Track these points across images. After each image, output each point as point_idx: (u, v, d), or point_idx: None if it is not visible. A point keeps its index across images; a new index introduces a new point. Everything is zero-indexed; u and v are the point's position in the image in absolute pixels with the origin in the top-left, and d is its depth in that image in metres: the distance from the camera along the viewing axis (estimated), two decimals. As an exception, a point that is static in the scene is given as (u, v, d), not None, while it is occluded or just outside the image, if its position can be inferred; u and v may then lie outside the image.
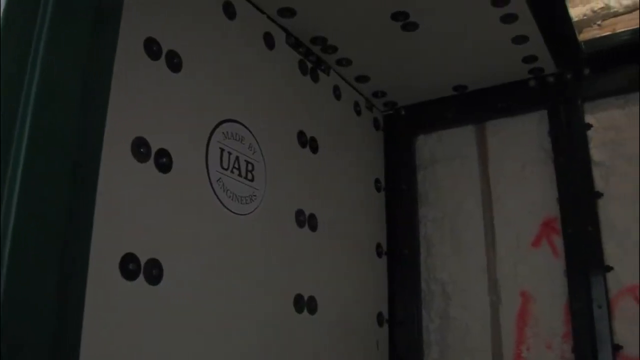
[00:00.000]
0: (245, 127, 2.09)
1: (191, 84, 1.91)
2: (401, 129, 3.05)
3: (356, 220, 2.68)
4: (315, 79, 2.56)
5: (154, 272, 1.67)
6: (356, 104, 2.84)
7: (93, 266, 1.40)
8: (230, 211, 1.97)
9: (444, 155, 3.00)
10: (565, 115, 2.77)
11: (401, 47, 2.54)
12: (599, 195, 2.66)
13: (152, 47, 1.79)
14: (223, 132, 1.99)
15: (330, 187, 2.53)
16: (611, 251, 2.61)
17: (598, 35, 2.82)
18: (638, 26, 2.73)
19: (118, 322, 1.57)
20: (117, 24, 1.54)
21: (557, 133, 2.77)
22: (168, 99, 1.82)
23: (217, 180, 1.93)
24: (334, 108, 2.67)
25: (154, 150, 1.74)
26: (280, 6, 2.28)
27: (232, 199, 1.97)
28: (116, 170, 1.61)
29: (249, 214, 2.04)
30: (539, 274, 2.71)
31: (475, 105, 2.95)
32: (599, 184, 2.68)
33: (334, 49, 2.56)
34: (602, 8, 2.82)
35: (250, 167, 2.07)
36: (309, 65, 2.54)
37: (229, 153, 1.99)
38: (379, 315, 2.73)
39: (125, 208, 1.63)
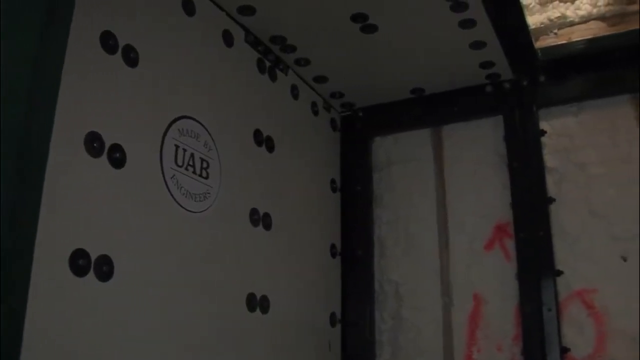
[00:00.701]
0: (201, 124, 2.07)
1: (148, 80, 1.89)
2: (358, 131, 3.06)
3: (311, 220, 2.68)
4: (273, 78, 2.56)
5: (104, 269, 1.65)
6: (314, 104, 2.84)
7: (41, 261, 1.38)
8: (184, 208, 1.95)
9: (399, 157, 3.02)
10: (520, 121, 2.81)
11: (360, 48, 2.55)
12: (552, 200, 2.71)
13: (108, 41, 1.77)
14: (179, 129, 1.98)
15: (286, 186, 2.53)
16: (562, 256, 2.66)
17: (554, 44, 2.86)
18: (592, 36, 2.79)
19: (65, 319, 1.54)
20: (70, 16, 1.52)
21: (512, 138, 2.81)
22: (123, 94, 1.80)
23: (171, 177, 1.91)
24: (291, 108, 2.67)
25: (107, 145, 1.71)
26: (240, 4, 2.27)
27: (185, 197, 1.96)
28: (68, 164, 1.59)
29: (202, 211, 2.02)
30: (491, 277, 2.75)
31: (432, 109, 2.97)
32: (552, 190, 2.73)
33: (293, 49, 2.55)
34: (558, 17, 2.86)
35: (205, 165, 2.06)
36: (268, 64, 2.53)
37: (184, 150, 1.98)
38: (332, 315, 2.74)
39: (76, 203, 1.60)
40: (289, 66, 2.67)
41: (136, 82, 1.84)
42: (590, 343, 2.56)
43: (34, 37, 1.35)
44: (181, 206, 1.94)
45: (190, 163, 1.99)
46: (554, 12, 2.86)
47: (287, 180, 2.54)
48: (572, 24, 2.86)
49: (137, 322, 1.74)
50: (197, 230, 2.00)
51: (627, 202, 2.63)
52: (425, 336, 2.79)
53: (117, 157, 1.74)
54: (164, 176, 1.89)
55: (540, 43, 2.86)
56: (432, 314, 2.80)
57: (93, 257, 1.62)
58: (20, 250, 1.33)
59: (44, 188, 1.45)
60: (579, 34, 2.83)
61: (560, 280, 2.63)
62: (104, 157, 1.70)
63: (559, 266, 2.64)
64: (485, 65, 2.71)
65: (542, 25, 2.87)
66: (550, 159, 2.76)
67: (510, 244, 2.73)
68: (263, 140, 2.40)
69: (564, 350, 2.55)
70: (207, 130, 2.10)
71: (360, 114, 3.06)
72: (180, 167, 1.96)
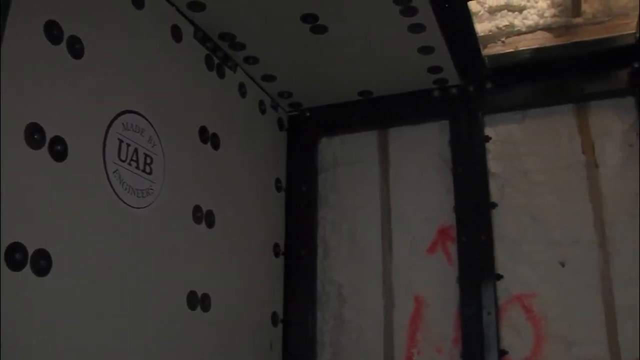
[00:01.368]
0: (146, 119, 2.05)
1: (92, 72, 1.86)
2: (305, 131, 3.06)
3: (255, 219, 2.67)
4: (221, 75, 2.54)
5: (41, 263, 1.62)
6: (261, 103, 2.83)
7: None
8: (126, 204, 1.92)
9: (345, 158, 3.03)
10: (465, 127, 2.85)
11: (309, 49, 2.55)
12: (494, 205, 2.76)
13: (52, 31, 1.73)
14: (123, 123, 1.95)
15: (230, 184, 2.51)
16: (502, 260, 2.70)
17: (501, 52, 2.90)
18: (539, 46, 2.84)
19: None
20: (7, 2, 1.49)
21: (457, 143, 2.85)
22: (67, 86, 1.76)
23: (114, 172, 1.88)
24: (238, 105, 2.66)
25: (48, 137, 1.68)
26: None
27: (128, 192, 1.93)
28: (6, 156, 1.55)
29: (144, 207, 2.00)
30: (432, 280, 2.78)
31: (379, 111, 2.99)
32: (494, 195, 2.78)
33: (242, 47, 2.54)
34: (506, 26, 2.90)
35: (148, 160, 2.03)
36: (216, 61, 2.51)
37: (128, 145, 1.95)
38: (274, 314, 2.73)
39: (14, 195, 1.56)
40: (238, 64, 2.65)
41: (80, 74, 1.81)
42: (527, 346, 2.61)
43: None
44: (123, 201, 1.91)
45: (134, 158, 1.97)
46: (502, 20, 2.91)
47: (231, 178, 2.52)
48: (519, 33, 2.91)
49: (74, 318, 1.71)
50: (139, 226, 1.98)
51: (567, 209, 2.69)
52: (367, 337, 2.81)
53: (59, 150, 1.70)
54: (106, 170, 1.86)
55: (487, 50, 2.90)
56: (374, 315, 2.81)
57: (30, 251, 1.59)
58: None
59: (-19, 179, 1.42)
60: (526, 43, 2.88)
61: (500, 284, 2.68)
62: (45, 149, 1.67)
63: (499, 270, 2.69)
64: (433, 70, 2.74)
65: (490, 33, 2.91)
66: (493, 165, 2.81)
67: (452, 247, 2.77)
68: (209, 138, 2.38)
69: (502, 353, 2.59)
70: (152, 125, 2.07)
71: (308, 114, 3.07)
72: (124, 162, 1.93)
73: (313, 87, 2.89)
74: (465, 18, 2.55)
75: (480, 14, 2.92)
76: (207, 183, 2.36)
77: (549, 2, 2.87)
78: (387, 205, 2.92)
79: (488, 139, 2.84)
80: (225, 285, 2.40)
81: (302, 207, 2.96)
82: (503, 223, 2.74)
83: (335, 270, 2.90)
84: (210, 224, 2.33)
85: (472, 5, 2.80)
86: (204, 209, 2.30)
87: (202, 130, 2.35)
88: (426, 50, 2.57)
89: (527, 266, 2.68)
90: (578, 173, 2.72)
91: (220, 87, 2.54)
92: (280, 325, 2.78)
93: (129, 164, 1.95)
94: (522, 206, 2.74)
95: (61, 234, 1.69)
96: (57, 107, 1.72)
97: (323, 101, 3.01)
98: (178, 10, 2.29)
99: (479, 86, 2.88)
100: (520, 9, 2.91)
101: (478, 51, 2.77)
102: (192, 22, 2.36)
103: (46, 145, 1.67)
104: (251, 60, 2.63)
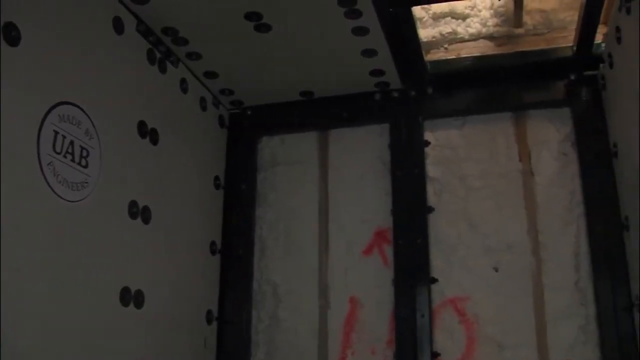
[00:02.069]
0: (84, 111, 2.01)
1: (29, 61, 1.81)
2: (246, 129, 3.04)
3: (192, 216, 2.65)
4: (163, 69, 2.51)
5: (-31, 256, 1.57)
6: (202, 100, 2.81)
7: None
8: (60, 197, 1.88)
9: (285, 158, 3.03)
10: (405, 131, 2.88)
11: (252, 47, 2.54)
12: (431, 210, 2.79)
13: (-12, 18, 1.69)
14: (59, 115, 1.90)
15: (168, 180, 2.48)
16: (437, 264, 2.74)
17: (444, 58, 2.94)
18: (480, 54, 2.88)
19: None
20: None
21: (396, 147, 2.87)
22: (1, 74, 1.71)
23: (48, 164, 1.84)
24: (179, 101, 2.63)
25: (-21, 127, 1.63)
26: (133, -9, 2.23)
27: (62, 185, 1.89)
28: None
29: (79, 201, 1.96)
30: (368, 282, 2.80)
31: (320, 112, 3.00)
32: (432, 199, 2.81)
33: (185, 42, 2.51)
34: (450, 33, 2.94)
35: (84, 153, 1.99)
36: (158, 55, 2.48)
37: (63, 137, 1.91)
38: (209, 313, 2.71)
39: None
40: (180, 59, 2.62)
41: (16, 62, 1.76)
42: (459, 348, 2.66)
43: None
44: (57, 194, 1.87)
45: (69, 150, 1.93)
46: (445, 27, 2.95)
47: (169, 174, 2.50)
48: (462, 40, 2.95)
49: (3, 314, 1.66)
50: (73, 220, 1.93)
51: (502, 216, 2.74)
52: (301, 337, 2.81)
53: (-11, 140, 1.66)
54: (40, 162, 1.81)
55: (430, 56, 2.93)
56: (309, 315, 2.82)
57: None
58: None
59: None
60: (468, 51, 2.93)
61: (434, 287, 2.72)
62: (-24, 139, 1.62)
63: (434, 274, 2.72)
64: (375, 73, 2.75)
65: (433, 39, 2.95)
66: (432, 170, 2.85)
67: (388, 249, 2.79)
68: (147, 132, 2.35)
69: (435, 355, 2.64)
70: (89, 117, 2.03)
71: (249, 112, 3.05)
72: (59, 154, 1.89)
73: (255, 86, 2.88)
74: (409, 23, 2.57)
75: (424, 19, 2.95)
76: (144, 178, 2.33)
77: (491, 11, 2.92)
78: (325, 206, 2.93)
79: (427, 143, 2.88)
80: (160, 282, 2.37)
81: (241, 206, 2.94)
82: (439, 227, 2.77)
83: (271, 270, 2.90)
84: (146, 219, 2.30)
85: (417, 11, 2.83)
86: (140, 205, 2.27)
87: (141, 125, 2.32)
88: (369, 53, 2.59)
89: (461, 270, 2.72)
90: (514, 180, 2.78)
91: (161, 82, 2.50)
92: (214, 324, 2.76)
93: (64, 156, 1.91)
94: (459, 211, 2.79)
95: (-9, 225, 1.65)
96: (-11, 95, 1.67)
97: (264, 100, 3.00)
98: (120, 1, 2.25)
99: (421, 91, 2.91)
100: (464, 17, 2.95)
101: (421, 56, 2.79)
102: (134, 15, 2.32)
103: (-23, 134, 1.63)
104: (194, 56, 2.61)
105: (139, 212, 2.26)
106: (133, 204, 2.23)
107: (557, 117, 2.83)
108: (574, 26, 2.69)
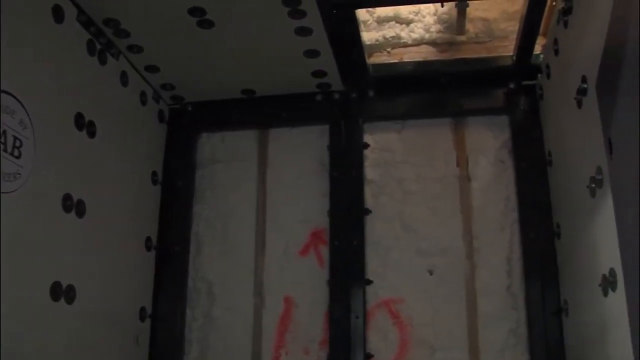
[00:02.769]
0: (18, 100, 1.96)
1: (-38, 47, 1.77)
2: (186, 125, 3.01)
3: (128, 211, 2.61)
4: (103, 61, 2.47)
5: None
6: (143, 94, 2.77)
7: None
8: (-10, 187, 1.84)
9: (225, 156, 3.01)
10: (345, 132, 2.89)
11: (195, 42, 2.51)
12: (368, 212, 2.81)
13: None
14: (-8, 103, 1.86)
15: (105, 174, 2.44)
16: (373, 266, 2.76)
17: (386, 62, 2.96)
18: (422, 59, 2.91)
19: None
20: None
21: (335, 148, 2.88)
22: None
23: (-21, 153, 1.80)
24: (119, 94, 2.59)
25: None
26: (74, -20, 2.18)
27: (-7, 175, 1.84)
28: None
29: (11, 192, 1.91)
30: (303, 282, 2.80)
31: (261, 111, 2.98)
32: (369, 202, 2.83)
33: (127, 34, 2.47)
34: (393, 37, 2.96)
35: (18, 144, 1.94)
36: (98, 46, 2.43)
37: (-5, 126, 1.86)
38: (142, 309, 2.68)
39: None
40: (121, 51, 2.58)
41: (-51, 48, 1.72)
42: (392, 350, 2.68)
43: None
44: (-13, 185, 1.83)
45: (2, 140, 1.88)
46: (389, 31, 2.96)
47: (106, 168, 2.45)
48: (405, 45, 2.97)
49: None
50: (4, 212, 1.88)
51: (438, 220, 2.77)
52: (235, 336, 2.80)
53: None
54: (-30, 151, 1.77)
55: (373, 59, 2.95)
56: (243, 314, 2.81)
57: None
58: None
59: None
60: (410, 56, 2.95)
61: (369, 289, 2.73)
62: None
63: (369, 275, 2.74)
64: (317, 74, 2.76)
65: (376, 43, 2.96)
66: (370, 172, 2.86)
67: (324, 250, 2.80)
68: (85, 125, 2.30)
69: (368, 356, 2.66)
70: (24, 107, 1.98)
71: (190, 108, 3.02)
72: (-10, 143, 1.84)
73: (197, 82, 2.85)
74: (353, 25, 2.58)
75: (368, 22, 2.96)
76: (80, 171, 2.28)
77: (435, 18, 2.95)
78: (262, 205, 2.92)
79: (366, 146, 2.90)
80: (92, 277, 2.32)
81: (178, 202, 2.91)
82: (376, 229, 2.79)
83: (207, 268, 2.88)
84: (81, 213, 2.26)
85: (361, 14, 2.85)
86: (75, 198, 2.22)
87: (79, 117, 2.27)
88: (312, 54, 2.59)
89: (396, 273, 2.75)
90: (451, 185, 2.81)
91: (101, 74, 2.46)
92: (148, 321, 2.72)
93: (-4, 146, 1.86)
94: (395, 214, 2.81)
95: None
96: None
97: (206, 96, 2.97)
98: (61, -11, 2.20)
99: (362, 93, 2.93)
100: (408, 22, 2.97)
101: (363, 59, 2.81)
102: (75, 4, 2.27)
103: None
104: (135, 49, 2.57)
105: (73, 206, 2.21)
106: (67, 197, 2.19)
107: (495, 124, 2.88)
108: (514, 36, 2.74)
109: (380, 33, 2.97)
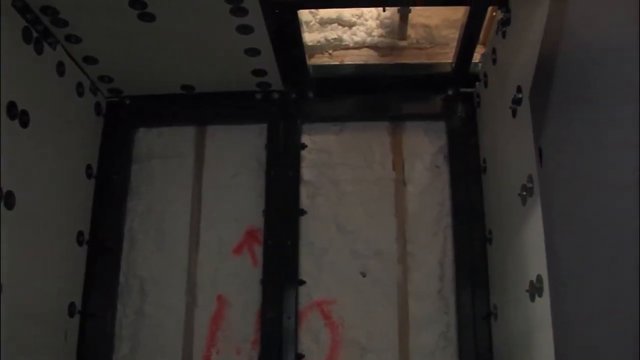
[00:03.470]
0: (-52, 87, 1.91)
1: None
2: (123, 119, 2.97)
3: (60, 204, 2.55)
4: (39, 50, 2.41)
5: None
6: (79, 85, 2.72)
7: None
8: None
9: (161, 151, 2.97)
10: (283, 132, 2.90)
11: (135, 35, 2.48)
12: (303, 212, 2.81)
13: None
14: None
15: (37, 165, 2.38)
16: (306, 266, 2.77)
17: (327, 63, 2.97)
18: (363, 62, 2.93)
19: None
20: None
21: (273, 148, 2.88)
22: None
23: None
24: (54, 85, 2.53)
25: None
26: (10, -35, 2.13)
27: None
28: None
29: (-64, 181, 1.86)
30: (237, 281, 2.79)
31: (200, 108, 2.97)
32: (304, 202, 2.84)
33: (65, 23, 2.42)
34: (335, 39, 2.97)
35: (-55, 131, 1.89)
36: (35, 34, 2.38)
37: None
38: (71, 305, 2.63)
39: None
40: (59, 41, 2.53)
41: None
42: (324, 351, 2.69)
43: None
44: None
45: None
46: (331, 33, 2.97)
47: (38, 160, 2.40)
48: (346, 47, 2.99)
49: None
50: None
51: (372, 222, 2.80)
52: (166, 334, 2.77)
53: None
54: None
55: (314, 60, 2.96)
56: (175, 312, 2.78)
57: None
58: None
59: None
60: (352, 58, 2.97)
61: (302, 289, 2.74)
62: None
63: (302, 276, 2.75)
64: (258, 73, 2.75)
65: (318, 44, 2.97)
66: (306, 172, 2.87)
67: (259, 250, 2.79)
68: (17, 114, 2.25)
69: (299, 357, 2.66)
70: (-47, 94, 1.93)
71: (128, 102, 2.97)
72: None
73: (136, 75, 2.81)
74: (295, 26, 2.58)
75: (311, 23, 2.97)
76: (10, 162, 2.21)
77: (378, 22, 2.97)
78: (198, 202, 2.90)
79: (304, 146, 2.90)
80: (21, 270, 2.27)
81: (112, 197, 2.86)
82: (310, 230, 2.80)
83: (140, 264, 2.84)
84: (10, 205, 2.20)
85: (304, 15, 2.85)
86: (4, 189, 2.16)
87: (11, 106, 2.22)
88: (252, 52, 2.58)
89: (329, 274, 2.76)
90: (386, 188, 2.84)
91: (36, 63, 2.40)
92: (77, 317, 2.67)
93: None
94: (330, 215, 2.83)
95: None
96: None
97: (144, 90, 2.93)
98: (-4, -26, 2.15)
99: (301, 94, 2.94)
100: (350, 25, 2.99)
101: (304, 60, 2.81)
102: (11, -11, 2.22)
103: None
104: (73, 39, 2.52)
105: (2, 197, 2.16)
106: (-4, 188, 2.14)
107: (432, 130, 2.91)
108: (455, 44, 2.77)
109: (323, 35, 2.97)
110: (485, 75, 2.68)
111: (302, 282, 2.74)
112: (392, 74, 2.92)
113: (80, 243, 2.70)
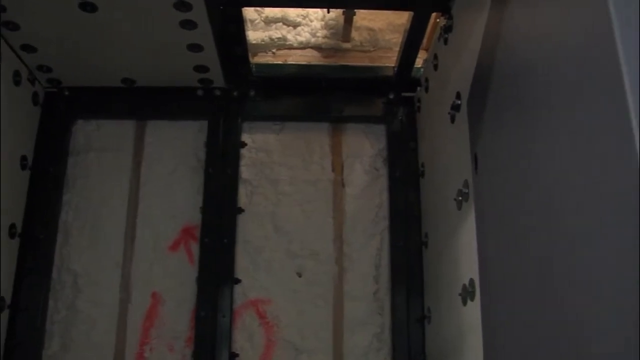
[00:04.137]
0: None
1: None
2: (61, 110, 2.90)
3: (-9, 195, 2.50)
4: (-25, 37, 2.36)
5: None
6: (17, 73, 2.66)
7: None
8: None
9: (99, 144, 2.93)
10: (224, 130, 2.88)
11: (76, 26, 2.43)
12: (240, 211, 2.81)
13: None
14: None
15: (-32, 155, 2.33)
16: (242, 265, 2.76)
17: (270, 62, 2.97)
18: (306, 63, 2.94)
19: None
20: None
21: (212, 145, 2.87)
22: None
23: None
24: (-10, 73, 2.48)
25: None
26: (-55, -50, 2.07)
27: None
28: None
29: None
30: (172, 278, 2.77)
31: (140, 102, 2.93)
32: (242, 201, 2.83)
33: (3, 9, 2.35)
34: (279, 38, 2.97)
35: None
36: (-29, 21, 2.33)
37: None
38: (1, 299, 2.57)
39: None
40: (-4, 28, 2.47)
41: None
42: (258, 350, 2.70)
43: None
44: None
45: None
46: (276, 32, 2.97)
47: (-30, 149, 2.35)
48: (290, 47, 2.99)
49: None
50: None
51: (310, 223, 2.81)
52: (99, 330, 2.73)
53: None
54: None
55: (257, 59, 2.95)
56: (109, 308, 2.74)
57: None
58: None
59: None
60: (295, 58, 2.98)
61: (237, 288, 2.74)
62: None
63: (238, 275, 2.74)
64: (200, 69, 2.73)
65: (262, 42, 2.96)
66: (245, 171, 2.87)
67: (195, 247, 2.78)
68: (-51, 101, 2.20)
69: (233, 356, 2.66)
70: None
71: (66, 93, 2.91)
72: None
73: (75, 66, 2.75)
74: (238, 23, 2.56)
75: (256, 22, 2.96)
76: (-59, 150, 2.17)
77: (322, 23, 2.98)
78: (134, 197, 2.87)
79: (244, 144, 2.90)
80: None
81: (47, 189, 2.80)
82: (247, 229, 2.80)
83: (73, 258, 2.79)
84: (-62, 194, 2.15)
85: (249, 13, 2.85)
86: None
87: (-57, 93, 2.17)
88: (195, 48, 2.56)
89: (265, 273, 2.77)
90: (325, 189, 2.85)
91: (-29, 50, 2.36)
92: (6, 311, 2.61)
93: None
94: (268, 214, 2.83)
95: None
96: None
97: (84, 82, 2.88)
98: None
99: (243, 92, 2.93)
100: (295, 25, 2.99)
101: (246, 58, 2.80)
102: (-56, -26, 2.16)
103: None
104: (11, 25, 2.44)
105: None
106: None
107: (372, 132, 2.94)
108: (398, 48, 2.80)
109: (267, 33, 2.97)
110: (426, 81, 2.72)
111: (238, 281, 2.73)
112: (334, 76, 2.93)
113: (12, 235, 2.64)
